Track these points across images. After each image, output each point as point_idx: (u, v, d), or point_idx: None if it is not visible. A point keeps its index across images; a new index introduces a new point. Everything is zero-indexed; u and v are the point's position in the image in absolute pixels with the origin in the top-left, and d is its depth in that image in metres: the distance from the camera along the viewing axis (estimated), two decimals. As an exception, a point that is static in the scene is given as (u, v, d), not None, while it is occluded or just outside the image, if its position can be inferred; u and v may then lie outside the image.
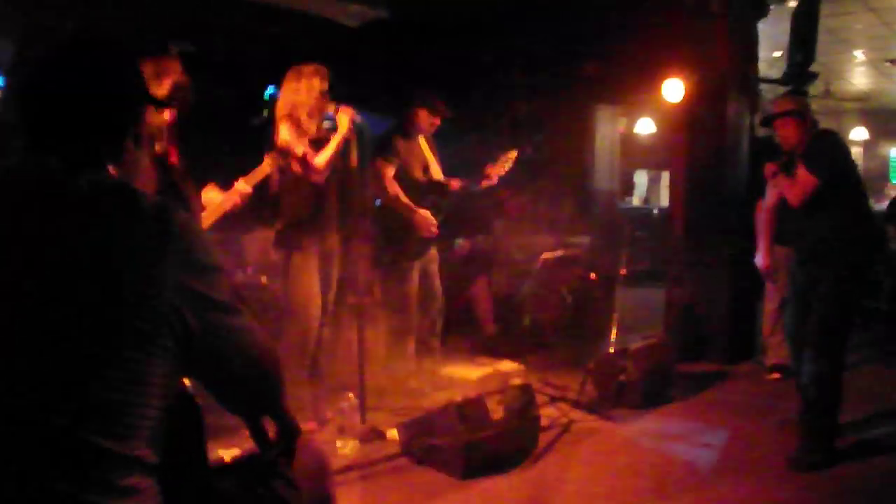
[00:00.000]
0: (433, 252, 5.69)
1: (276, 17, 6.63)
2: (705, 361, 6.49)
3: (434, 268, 5.69)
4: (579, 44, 7.78)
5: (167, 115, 3.97)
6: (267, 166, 4.39)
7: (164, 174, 3.75)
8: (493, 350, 6.44)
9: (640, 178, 14.97)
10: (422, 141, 5.70)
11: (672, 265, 6.91)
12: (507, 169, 5.72)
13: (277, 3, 6.42)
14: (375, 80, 6.53)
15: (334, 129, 4.71)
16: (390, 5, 6.74)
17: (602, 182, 9.84)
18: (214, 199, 4.24)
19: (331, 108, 4.72)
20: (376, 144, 5.39)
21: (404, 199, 5.45)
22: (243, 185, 4.29)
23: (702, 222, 6.66)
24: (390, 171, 5.43)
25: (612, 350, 5.55)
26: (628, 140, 11.90)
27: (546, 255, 6.80)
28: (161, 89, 3.90)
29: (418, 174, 5.61)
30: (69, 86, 1.59)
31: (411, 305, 5.51)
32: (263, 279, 6.01)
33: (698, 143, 6.64)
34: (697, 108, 6.52)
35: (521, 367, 6.05)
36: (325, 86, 4.70)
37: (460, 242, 6.94)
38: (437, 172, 5.73)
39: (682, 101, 6.47)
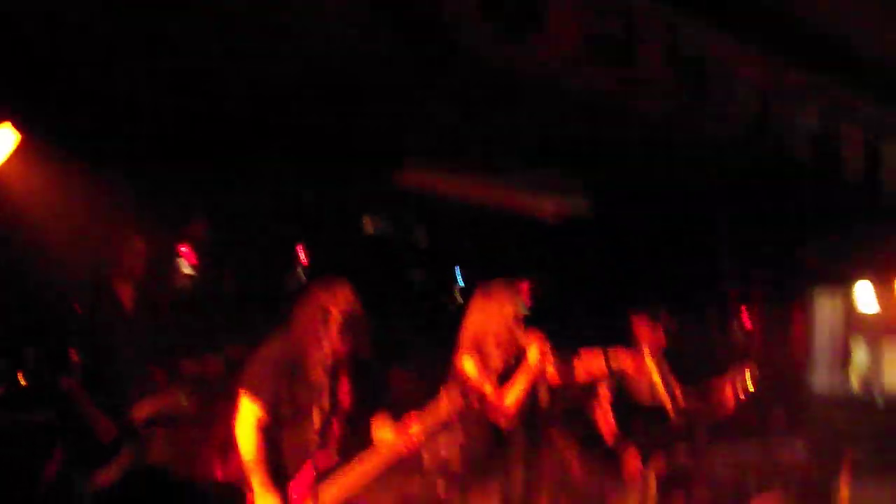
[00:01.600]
0: None
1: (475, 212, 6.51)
2: None
3: None
4: (798, 229, 7.20)
5: (341, 346, 3.75)
6: (444, 407, 3.81)
7: None
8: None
9: (859, 350, 13.49)
10: (646, 355, 5.10)
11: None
12: (745, 394, 5.04)
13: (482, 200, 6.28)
14: (576, 279, 6.17)
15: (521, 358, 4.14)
16: (591, 198, 6.45)
17: (821, 377, 8.92)
18: (386, 440, 3.73)
19: (520, 336, 4.14)
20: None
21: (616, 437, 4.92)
22: (417, 432, 3.73)
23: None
24: (607, 398, 4.91)
25: None
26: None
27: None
28: (332, 324, 3.70)
29: (644, 396, 5.04)
30: None
31: None
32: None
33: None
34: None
35: None
36: (519, 309, 4.23)
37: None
38: (663, 395, 5.08)
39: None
